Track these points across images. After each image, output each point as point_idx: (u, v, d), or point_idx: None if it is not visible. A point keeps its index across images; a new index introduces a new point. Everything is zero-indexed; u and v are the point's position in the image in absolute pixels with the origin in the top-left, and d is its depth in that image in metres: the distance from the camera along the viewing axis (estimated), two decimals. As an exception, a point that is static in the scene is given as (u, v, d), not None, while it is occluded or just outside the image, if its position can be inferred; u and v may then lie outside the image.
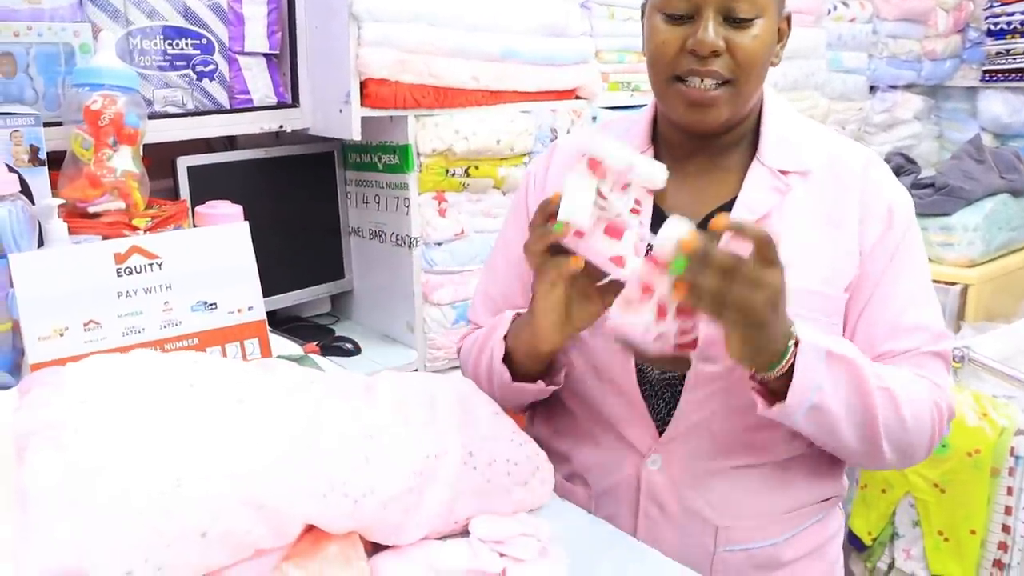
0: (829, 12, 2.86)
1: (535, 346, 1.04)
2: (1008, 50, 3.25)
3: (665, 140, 1.15)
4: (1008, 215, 2.67)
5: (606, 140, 0.91)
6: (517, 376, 1.09)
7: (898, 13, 3.10)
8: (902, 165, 2.89)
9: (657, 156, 1.13)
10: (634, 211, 0.91)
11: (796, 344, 0.93)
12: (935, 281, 2.41)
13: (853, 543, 1.89)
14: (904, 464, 1.05)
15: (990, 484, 1.56)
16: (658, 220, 1.00)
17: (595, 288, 0.95)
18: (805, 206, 1.06)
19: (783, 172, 1.07)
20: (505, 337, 1.10)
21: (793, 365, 0.93)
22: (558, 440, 1.15)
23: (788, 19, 1.09)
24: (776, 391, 0.96)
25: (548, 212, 0.92)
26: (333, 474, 0.79)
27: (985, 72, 3.37)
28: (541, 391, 1.10)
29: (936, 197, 2.62)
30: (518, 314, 1.11)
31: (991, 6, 3.32)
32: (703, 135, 1.08)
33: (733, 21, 1.00)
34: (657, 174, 0.90)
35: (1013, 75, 3.27)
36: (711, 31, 0.98)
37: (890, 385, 0.99)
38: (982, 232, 2.55)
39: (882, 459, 1.02)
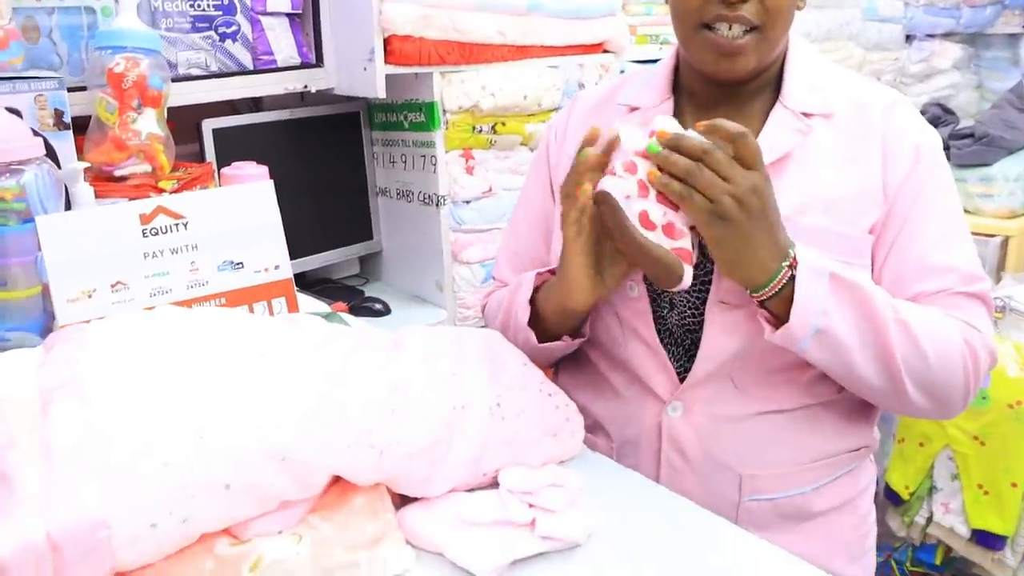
0: (864, -43, 2.79)
1: (567, 306, 1.03)
2: (1055, -8, 3.16)
3: (688, 89, 1.13)
4: (1050, 165, 2.61)
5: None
6: (543, 336, 1.09)
7: (936, -42, 3.03)
8: (939, 116, 2.83)
9: (678, 105, 1.13)
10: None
11: (792, 266, 0.92)
12: (975, 233, 2.37)
13: (890, 498, 1.87)
14: (940, 410, 1.02)
15: (1032, 436, 1.53)
16: None
17: (625, 247, 0.94)
18: (827, 147, 1.04)
19: (806, 115, 1.05)
20: (533, 300, 1.09)
21: (792, 288, 0.92)
22: (581, 391, 1.14)
23: None
24: (782, 316, 0.94)
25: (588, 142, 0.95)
26: (358, 425, 0.78)
27: (1030, 17, 3.27)
28: (568, 346, 1.10)
29: (976, 147, 2.57)
30: (539, 274, 1.10)
31: (1037, -55, 3.22)
32: (730, 83, 1.06)
33: None
34: None
35: (1059, 19, 3.18)
36: None
37: (908, 318, 0.96)
38: (1023, 183, 2.49)
39: (908, 401, 0.99)
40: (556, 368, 1.23)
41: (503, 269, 1.27)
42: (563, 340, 1.08)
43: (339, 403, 0.79)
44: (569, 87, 2.01)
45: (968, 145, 2.60)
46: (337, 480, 0.79)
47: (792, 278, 0.92)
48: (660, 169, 0.90)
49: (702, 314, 1.04)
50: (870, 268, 1.03)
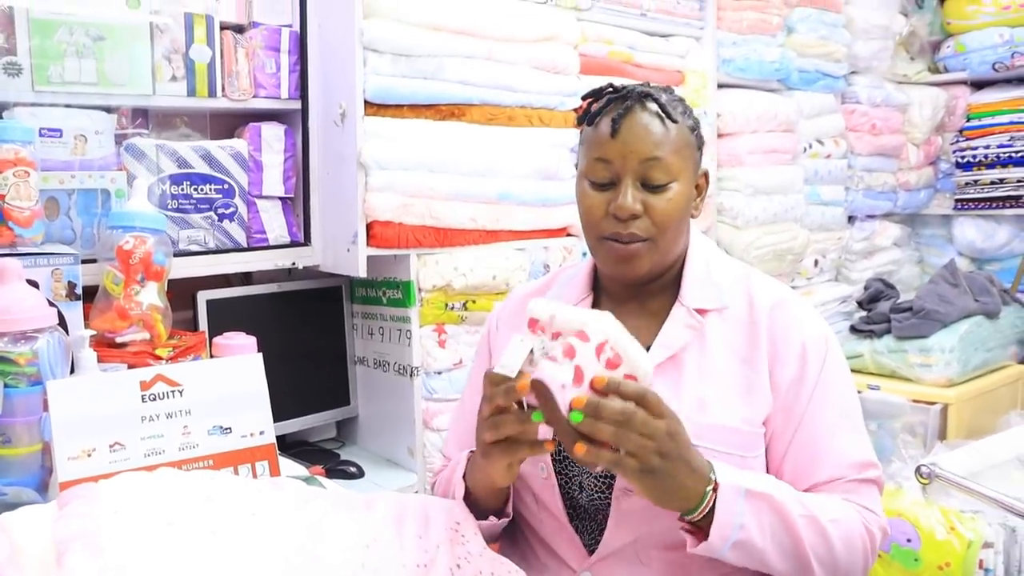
0: (805, 150, 3.02)
1: (490, 484, 1.10)
2: (976, 180, 3.43)
3: (603, 287, 1.25)
4: (983, 336, 2.78)
5: (549, 302, 0.99)
6: (478, 513, 1.14)
7: (871, 149, 3.28)
8: (882, 290, 3.02)
9: (596, 300, 1.25)
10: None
11: (715, 487, 0.99)
12: (916, 401, 2.51)
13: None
14: None
15: (963, 597, 1.62)
16: None
17: (557, 432, 0.96)
18: (720, 342, 1.15)
19: (700, 311, 1.16)
20: (464, 476, 1.17)
21: (714, 507, 1.00)
22: (512, 558, 1.15)
23: (705, 175, 1.21)
24: (703, 528, 1.02)
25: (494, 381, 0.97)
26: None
27: (957, 200, 3.53)
28: (493, 526, 1.16)
29: (914, 320, 2.74)
30: (472, 452, 1.15)
31: (957, 140, 3.51)
32: (631, 284, 1.18)
33: (650, 187, 1.11)
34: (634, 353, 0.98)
35: (983, 204, 3.43)
36: (629, 197, 1.09)
37: (815, 512, 1.04)
38: (958, 353, 2.65)
39: None
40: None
41: (451, 447, 1.33)
42: (489, 520, 1.15)
43: (318, 557, 0.90)
44: (535, 267, 2.16)
45: (908, 318, 2.77)
46: (313, 627, 0.88)
47: (713, 504, 1.00)
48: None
49: (609, 496, 1.11)
50: (764, 459, 1.13)
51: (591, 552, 1.14)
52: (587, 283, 1.27)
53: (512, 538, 1.24)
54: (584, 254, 2.26)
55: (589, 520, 1.15)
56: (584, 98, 1.19)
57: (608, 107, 1.14)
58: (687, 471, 0.97)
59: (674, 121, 1.12)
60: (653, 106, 1.12)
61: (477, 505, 1.14)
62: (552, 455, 1.15)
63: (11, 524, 0.89)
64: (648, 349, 1.12)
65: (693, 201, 1.17)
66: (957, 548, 1.59)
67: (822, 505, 1.07)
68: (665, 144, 1.10)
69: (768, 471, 1.13)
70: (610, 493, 1.11)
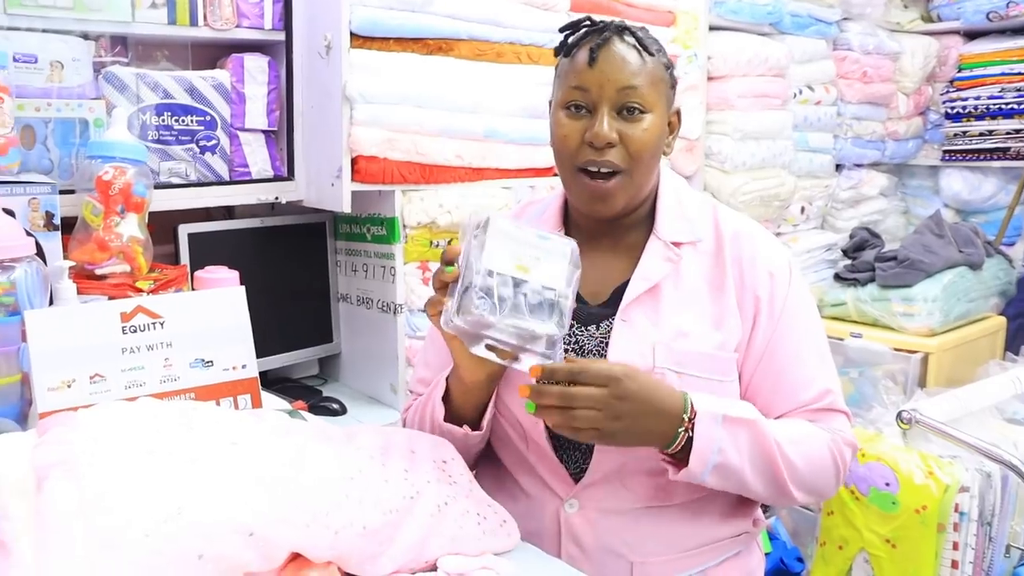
0: (795, 96, 3.01)
1: (464, 380, 1.15)
2: (965, 132, 3.43)
3: (575, 223, 1.28)
4: (966, 287, 2.80)
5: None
6: (454, 416, 1.19)
7: (861, 97, 3.26)
8: (867, 239, 3.03)
9: (567, 235, 1.24)
10: None
11: (690, 422, 1.06)
12: (898, 349, 2.54)
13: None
14: (818, 499, 1.21)
15: (937, 539, 1.65)
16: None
17: None
18: (695, 273, 1.19)
19: (675, 244, 1.20)
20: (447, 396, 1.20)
21: (691, 439, 1.06)
22: (494, 492, 1.20)
23: (678, 113, 1.24)
24: (682, 459, 1.08)
25: (445, 260, 1.04)
26: (316, 506, 0.89)
27: (945, 152, 3.54)
28: (466, 437, 1.19)
29: (898, 269, 2.76)
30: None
31: (947, 91, 3.50)
32: (606, 220, 1.21)
33: (625, 117, 1.14)
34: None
35: (970, 155, 3.44)
36: (606, 124, 1.12)
37: (787, 435, 1.12)
38: (941, 303, 2.67)
39: (791, 500, 1.16)
40: (475, 472, 1.33)
41: (419, 374, 1.35)
42: (463, 429, 1.18)
43: (300, 486, 0.90)
44: (520, 207, 2.15)
45: (892, 267, 2.79)
46: (295, 556, 0.88)
47: (691, 436, 1.07)
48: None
49: None
50: (737, 382, 1.18)
51: (577, 480, 1.18)
52: (558, 218, 1.29)
53: (498, 476, 1.27)
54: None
55: (573, 450, 1.19)
56: (561, 30, 1.22)
57: (586, 38, 1.17)
58: (653, 419, 1.05)
59: (650, 54, 1.16)
60: (630, 39, 1.15)
61: (455, 412, 1.19)
62: None
63: (-11, 450, 0.88)
64: (627, 282, 1.19)
65: (666, 138, 1.21)
66: (934, 492, 1.62)
67: (792, 428, 1.15)
68: (641, 75, 1.14)
69: (741, 397, 1.19)
70: None
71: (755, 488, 1.12)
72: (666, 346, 1.14)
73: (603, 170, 1.14)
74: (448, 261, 1.02)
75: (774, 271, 1.19)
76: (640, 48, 1.15)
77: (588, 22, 1.20)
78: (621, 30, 1.16)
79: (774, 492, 1.13)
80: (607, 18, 1.21)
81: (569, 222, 1.29)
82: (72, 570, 0.75)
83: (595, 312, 1.20)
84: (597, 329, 1.19)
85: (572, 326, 1.18)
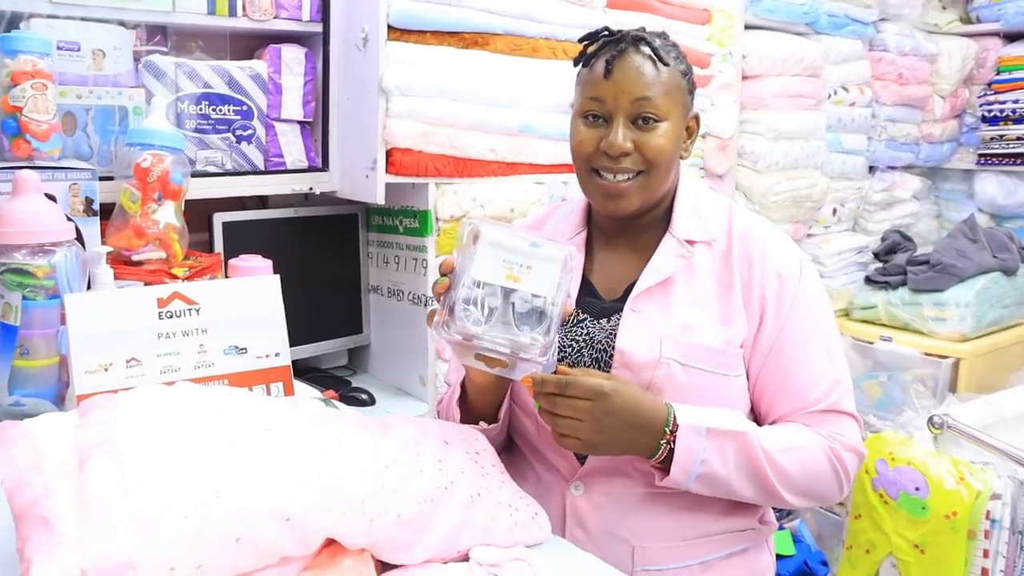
0: (829, 96, 2.98)
1: (474, 381, 1.19)
2: (1001, 135, 3.38)
3: (596, 222, 1.32)
4: (999, 293, 2.77)
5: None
6: (471, 414, 1.25)
7: (896, 99, 3.23)
8: (899, 242, 3.00)
9: (590, 235, 1.32)
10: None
11: (671, 435, 1.10)
12: (928, 354, 2.52)
13: (842, 603, 1.95)
14: (820, 504, 1.21)
15: (967, 546, 1.63)
16: (585, 290, 1.25)
17: None
18: (706, 271, 1.22)
19: (689, 242, 1.23)
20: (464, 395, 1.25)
21: (673, 448, 1.10)
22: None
23: (696, 118, 1.26)
24: (667, 466, 1.12)
25: (440, 271, 1.08)
26: (352, 494, 0.89)
27: (980, 156, 3.49)
28: (485, 430, 1.21)
29: (930, 273, 2.73)
30: None
31: (985, 94, 3.46)
32: (622, 219, 1.24)
33: (640, 126, 1.17)
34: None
35: (1007, 159, 3.39)
36: (620, 135, 1.16)
37: (780, 446, 1.15)
38: (973, 308, 2.65)
39: (787, 503, 1.17)
40: None
41: (452, 373, 1.41)
42: (480, 424, 1.22)
43: (337, 473, 0.90)
44: (553, 201, 2.15)
45: (924, 271, 2.76)
46: (329, 543, 0.89)
47: (672, 448, 1.11)
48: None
49: None
50: (744, 377, 1.20)
51: (582, 464, 1.23)
52: (581, 219, 1.33)
53: (514, 461, 1.31)
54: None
55: None
56: (580, 41, 1.26)
57: (603, 49, 1.21)
58: (635, 433, 1.10)
59: (665, 64, 1.18)
60: (646, 49, 1.18)
61: (472, 411, 1.24)
62: None
63: (34, 430, 0.90)
64: (640, 275, 1.23)
65: (683, 142, 1.24)
66: (965, 498, 1.60)
67: (785, 436, 1.16)
68: (656, 85, 1.17)
69: (749, 395, 1.22)
70: None
71: (745, 495, 1.15)
72: (673, 338, 1.17)
73: (618, 176, 1.18)
74: (444, 272, 1.06)
75: (783, 271, 1.21)
76: (655, 58, 1.18)
77: (606, 32, 1.23)
78: (637, 40, 1.19)
79: (767, 498, 1.17)
80: (629, 24, 1.27)
81: (592, 222, 1.33)
82: (113, 549, 0.76)
83: (608, 306, 1.24)
84: (608, 321, 1.22)
85: (585, 320, 1.24)
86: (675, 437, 1.10)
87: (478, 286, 1.02)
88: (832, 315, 1.26)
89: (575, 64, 1.27)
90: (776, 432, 1.17)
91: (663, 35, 1.24)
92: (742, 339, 1.19)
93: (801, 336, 1.19)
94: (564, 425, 1.09)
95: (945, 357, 2.59)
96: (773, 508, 1.30)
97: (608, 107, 1.17)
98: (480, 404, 1.22)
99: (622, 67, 1.17)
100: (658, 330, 1.18)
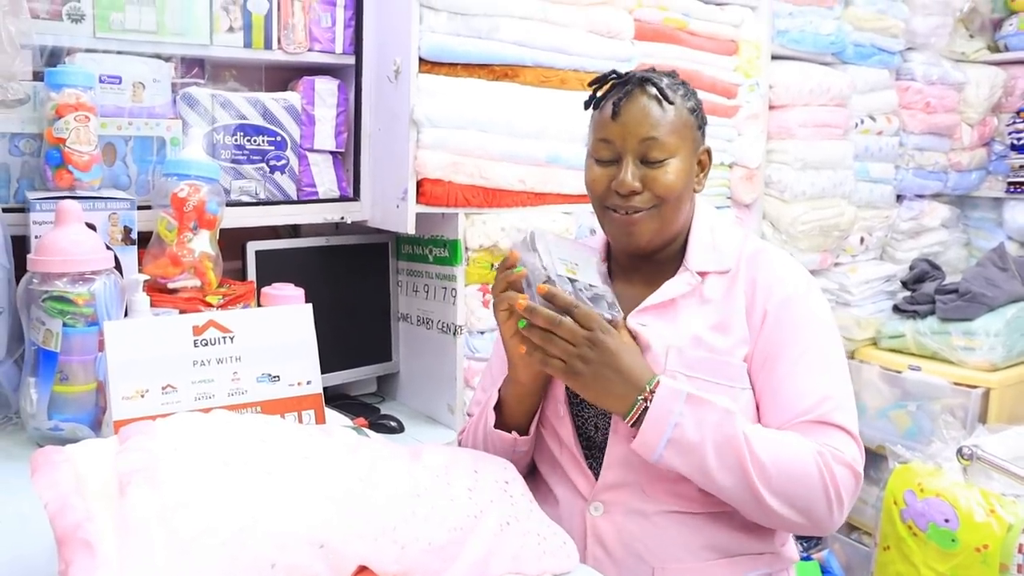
0: (856, 126, 2.98)
1: (516, 379, 1.24)
2: (1031, 164, 3.37)
3: (615, 258, 1.37)
4: (1030, 322, 2.75)
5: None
6: (506, 424, 1.28)
7: (924, 127, 3.22)
8: (927, 271, 2.98)
9: (610, 270, 1.35)
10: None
11: (649, 395, 1.12)
12: (957, 384, 2.50)
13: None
14: (808, 521, 1.14)
15: (999, 580, 1.62)
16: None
17: None
18: (714, 290, 1.25)
19: (702, 273, 1.26)
20: (499, 405, 1.29)
21: (648, 407, 1.12)
22: None
23: (708, 152, 1.30)
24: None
25: (507, 266, 1.17)
26: (385, 521, 0.90)
27: (1010, 183, 3.46)
28: (515, 443, 1.27)
29: (959, 303, 2.71)
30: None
31: (1014, 122, 3.44)
32: (635, 253, 1.28)
33: (648, 164, 1.22)
34: None
35: (1036, 188, 3.37)
36: (629, 174, 1.21)
37: (764, 435, 1.14)
38: (1003, 337, 2.62)
39: (771, 509, 1.12)
40: None
41: (477, 396, 1.44)
42: (512, 435, 1.26)
43: (370, 501, 0.92)
44: (581, 231, 2.16)
45: (953, 300, 2.74)
46: (362, 570, 0.90)
47: (647, 407, 1.12)
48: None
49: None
50: (751, 390, 1.22)
51: (597, 478, 1.24)
52: (603, 252, 1.38)
53: (535, 486, 1.30)
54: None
55: (600, 451, 1.26)
56: (590, 84, 1.31)
57: (611, 92, 1.26)
58: (615, 378, 1.12)
59: (671, 103, 1.23)
60: (652, 90, 1.23)
61: (506, 420, 1.28)
62: (569, 397, 1.28)
63: (75, 455, 0.92)
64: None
65: (695, 177, 1.28)
66: (996, 531, 1.59)
67: (772, 432, 1.16)
68: (662, 124, 1.21)
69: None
70: None
71: (720, 482, 1.12)
72: (679, 350, 1.20)
73: (630, 212, 1.22)
74: (509, 265, 1.16)
75: (786, 287, 1.24)
76: (661, 97, 1.22)
77: (614, 75, 1.28)
78: (644, 81, 1.24)
79: (745, 493, 1.12)
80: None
81: (611, 257, 1.38)
82: (153, 573, 0.78)
83: None
84: None
85: None
86: (653, 396, 1.12)
87: (549, 281, 1.14)
88: (836, 336, 1.26)
89: (586, 107, 1.31)
90: (763, 427, 1.18)
91: (671, 74, 1.29)
92: (745, 353, 1.22)
93: (799, 348, 1.21)
94: (554, 343, 1.11)
95: (975, 387, 2.57)
96: (795, 537, 1.29)
97: (617, 148, 1.22)
98: (518, 413, 1.27)
99: (629, 108, 1.22)
100: (664, 343, 1.21)
